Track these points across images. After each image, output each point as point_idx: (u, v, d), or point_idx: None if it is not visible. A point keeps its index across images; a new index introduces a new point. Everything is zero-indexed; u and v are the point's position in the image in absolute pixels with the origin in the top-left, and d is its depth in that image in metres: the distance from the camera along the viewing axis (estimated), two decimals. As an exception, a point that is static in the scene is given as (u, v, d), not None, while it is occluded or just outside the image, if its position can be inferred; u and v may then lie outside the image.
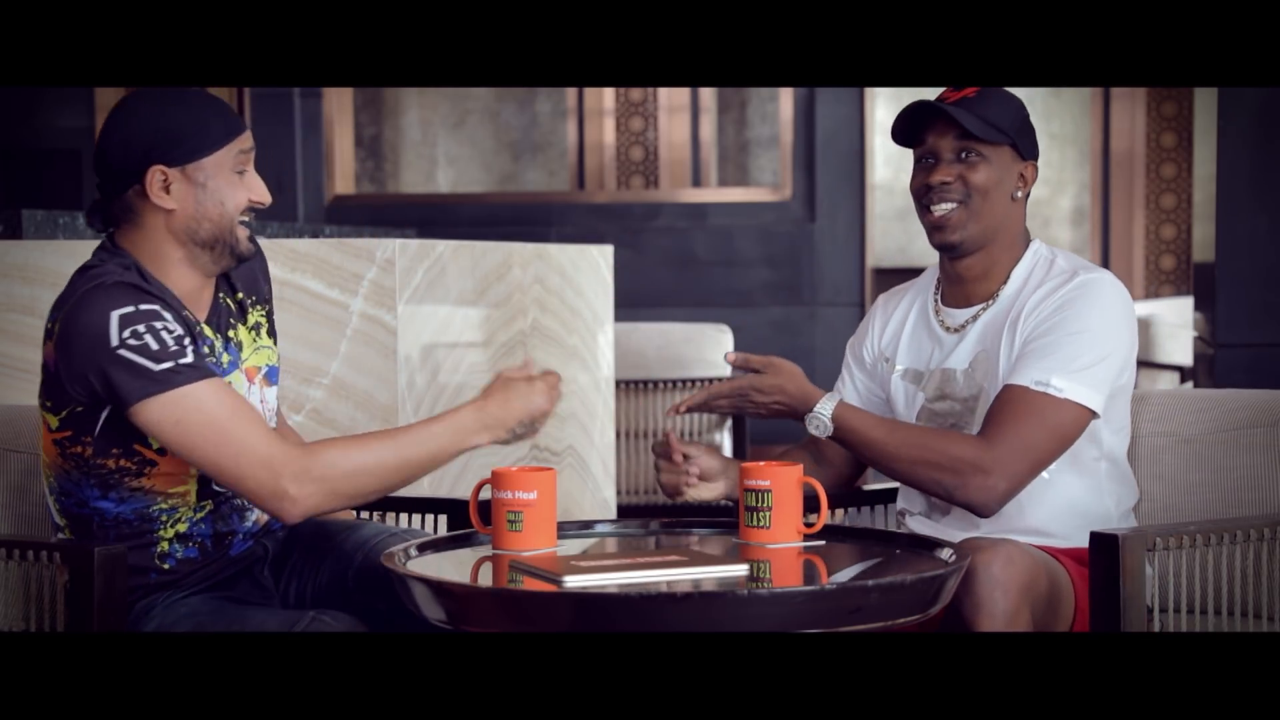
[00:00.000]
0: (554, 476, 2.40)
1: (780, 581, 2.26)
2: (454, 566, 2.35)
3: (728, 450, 5.65)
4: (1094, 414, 2.59)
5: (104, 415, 2.37)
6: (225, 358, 2.47)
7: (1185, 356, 7.18)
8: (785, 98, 8.03)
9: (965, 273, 2.73)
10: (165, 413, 2.30)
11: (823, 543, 2.44)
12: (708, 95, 8.39)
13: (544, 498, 2.37)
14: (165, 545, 2.45)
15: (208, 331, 2.46)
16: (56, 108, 8.65)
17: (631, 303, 6.46)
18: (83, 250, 3.39)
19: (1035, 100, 10.64)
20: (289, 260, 3.40)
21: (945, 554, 2.30)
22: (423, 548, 2.39)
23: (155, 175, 2.39)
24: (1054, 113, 10.64)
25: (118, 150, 2.42)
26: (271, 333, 2.62)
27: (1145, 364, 7.54)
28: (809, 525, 2.44)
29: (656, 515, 3.27)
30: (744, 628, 2.01)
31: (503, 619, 2.08)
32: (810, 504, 2.47)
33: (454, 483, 3.62)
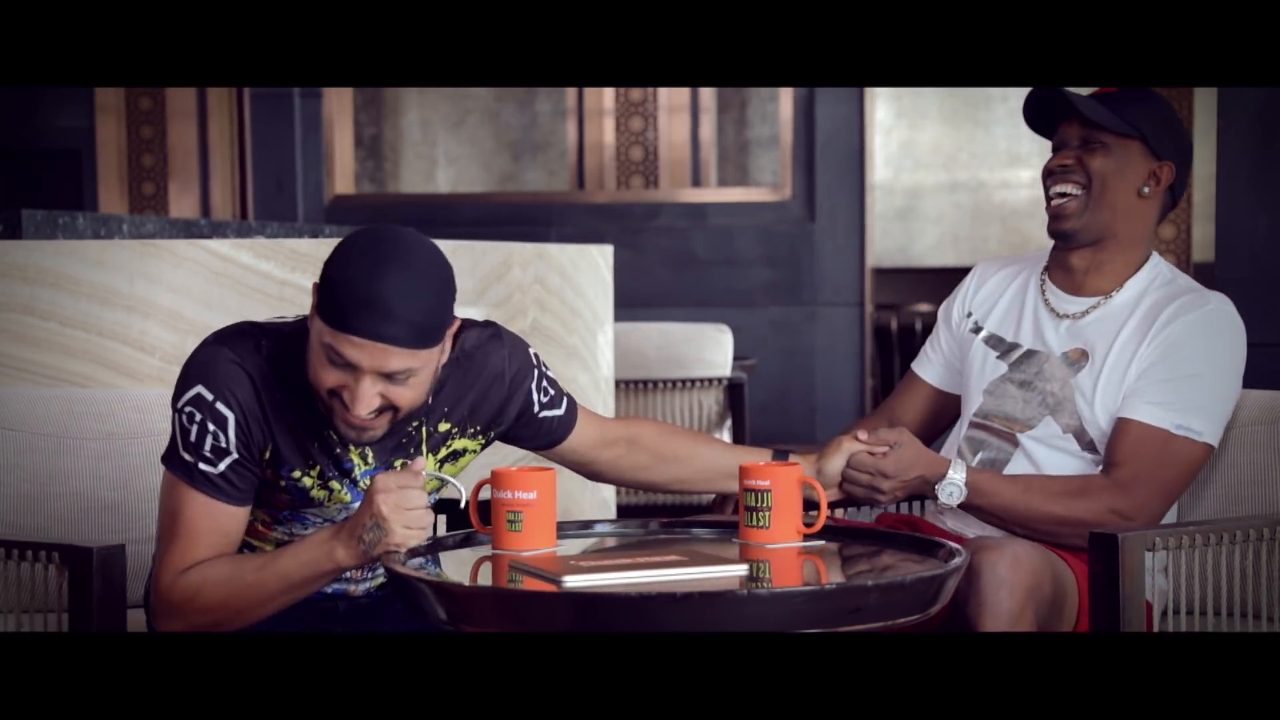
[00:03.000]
0: (554, 476, 2.39)
1: (780, 581, 2.26)
2: (454, 566, 2.35)
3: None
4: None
5: None
6: (365, 483, 2.36)
7: (1185, 356, 7.17)
8: (785, 98, 8.03)
9: (1077, 264, 2.73)
10: (162, 486, 2.33)
11: (822, 542, 2.44)
12: (707, 95, 8.38)
13: (543, 497, 2.37)
14: None
15: (355, 459, 2.35)
16: (56, 108, 8.64)
17: (631, 302, 6.46)
18: (82, 250, 3.40)
19: (1035, 100, 10.65)
20: (289, 260, 3.40)
21: (945, 553, 2.30)
22: (422, 548, 2.39)
23: (315, 289, 2.27)
24: (1054, 113, 10.63)
25: None
26: (481, 450, 2.48)
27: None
28: (808, 525, 2.44)
29: (656, 515, 3.26)
30: (743, 628, 2.01)
31: (502, 619, 2.08)
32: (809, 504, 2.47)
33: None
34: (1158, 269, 2.72)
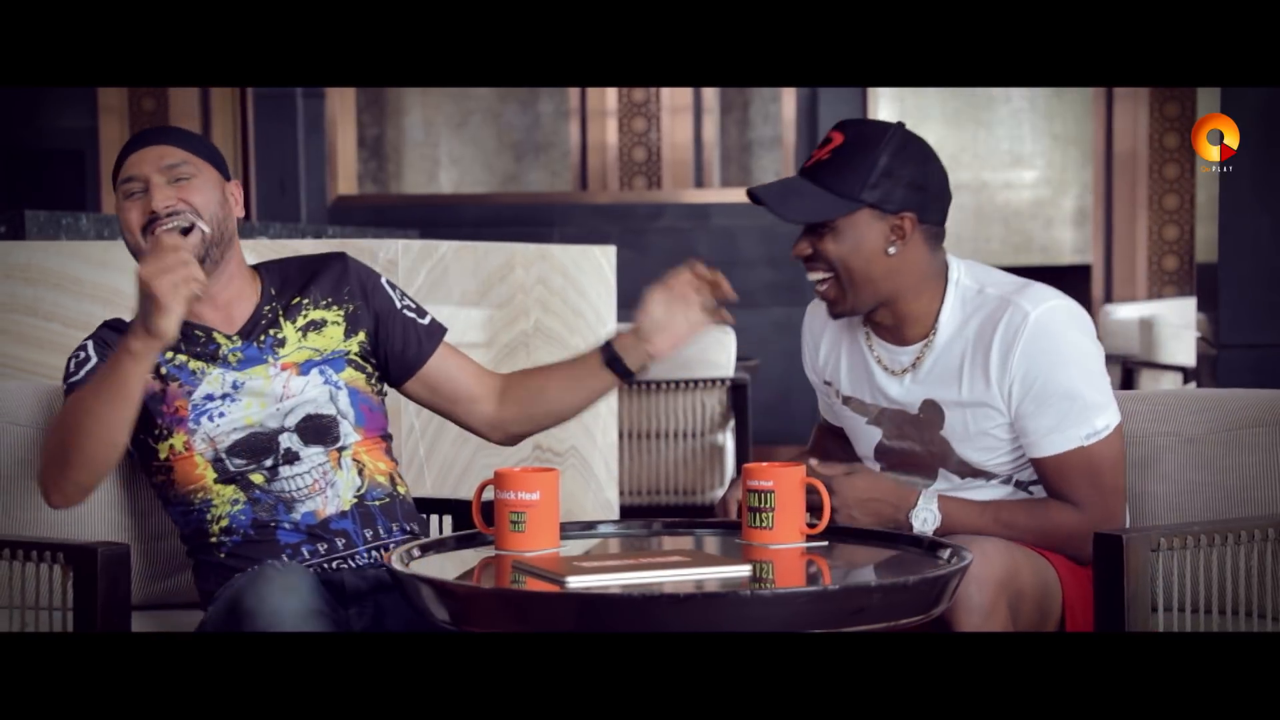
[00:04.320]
0: (557, 477, 2.39)
1: (783, 582, 2.26)
2: (457, 567, 2.35)
3: (730, 452, 5.65)
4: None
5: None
6: (234, 357, 2.61)
7: (1188, 358, 7.18)
8: (788, 98, 8.04)
9: (883, 320, 2.62)
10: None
11: (825, 543, 2.43)
12: (710, 95, 8.39)
13: (547, 498, 2.37)
14: (215, 539, 2.60)
15: (219, 339, 2.61)
16: (59, 108, 8.65)
17: (634, 303, 6.46)
18: (85, 251, 3.40)
19: (1038, 100, 10.65)
20: (292, 261, 3.39)
21: (947, 554, 2.30)
22: (426, 548, 2.39)
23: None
24: (1056, 113, 10.64)
25: None
26: (351, 333, 2.67)
27: (1148, 365, 7.54)
28: (812, 526, 2.44)
29: (659, 516, 3.27)
30: (747, 628, 2.01)
31: (505, 619, 2.08)
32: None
33: (457, 483, 3.63)
34: (959, 287, 2.59)
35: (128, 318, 3.32)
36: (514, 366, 3.91)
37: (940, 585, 2.14)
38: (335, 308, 2.67)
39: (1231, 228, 4.43)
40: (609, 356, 2.71)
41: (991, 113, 10.74)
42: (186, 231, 2.55)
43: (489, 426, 2.77)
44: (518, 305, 3.94)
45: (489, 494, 2.41)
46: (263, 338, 2.62)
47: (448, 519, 2.85)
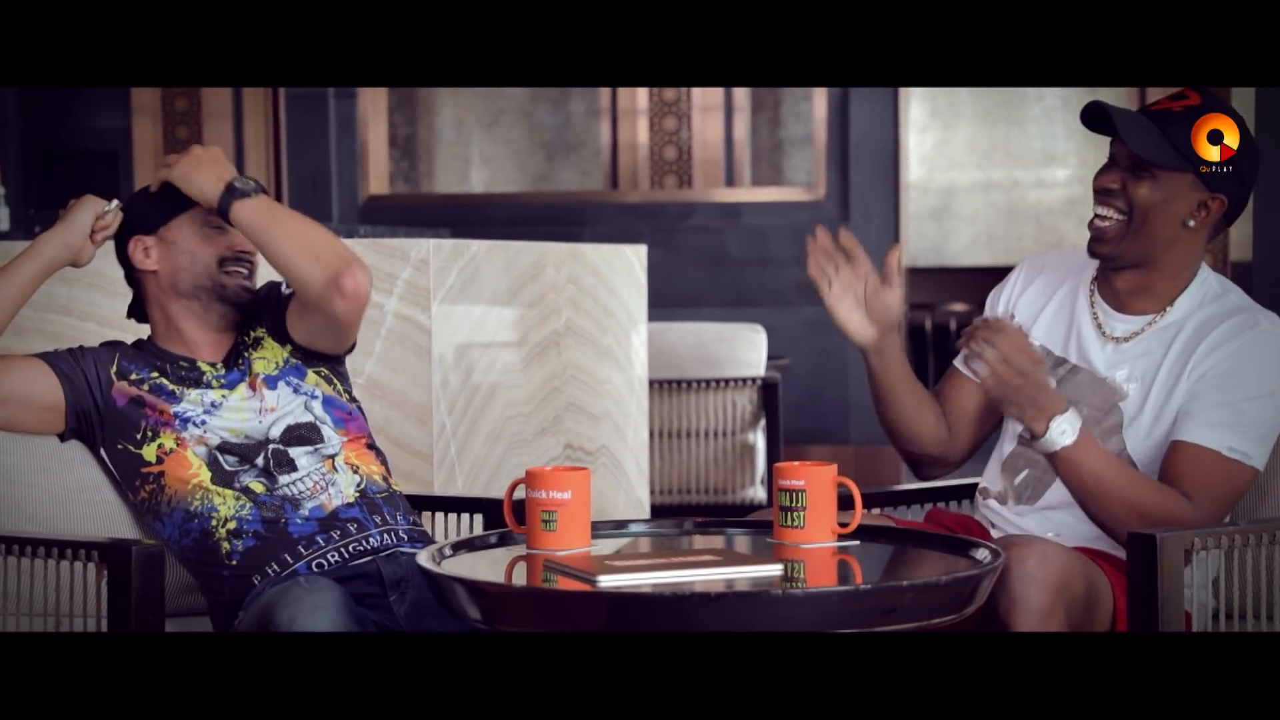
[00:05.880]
0: (588, 476, 2.39)
1: (815, 581, 2.25)
2: (488, 566, 2.35)
3: (760, 450, 5.65)
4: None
5: (105, 456, 2.74)
6: (217, 384, 2.73)
7: (1222, 356, 7.14)
8: (819, 97, 8.02)
9: (1121, 285, 2.63)
10: None
11: (857, 543, 2.43)
12: (741, 95, 8.38)
13: (578, 497, 2.37)
14: (226, 545, 2.63)
15: (204, 366, 2.74)
16: (93, 109, 8.69)
17: (665, 302, 6.46)
18: (119, 250, 3.39)
19: (1071, 98, 10.62)
20: (324, 260, 3.40)
21: (980, 554, 2.30)
22: (457, 547, 2.40)
23: (136, 246, 2.74)
24: (1089, 111, 10.61)
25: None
26: (279, 342, 2.78)
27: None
28: (844, 525, 2.43)
29: (690, 515, 3.27)
30: (778, 628, 2.01)
31: (537, 618, 2.08)
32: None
33: (489, 482, 3.63)
34: (1206, 284, 2.63)
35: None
36: (545, 366, 3.91)
37: (973, 584, 2.13)
38: (259, 328, 2.79)
39: (1266, 226, 4.40)
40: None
41: (1024, 111, 10.71)
42: (248, 275, 2.76)
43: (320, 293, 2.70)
44: (549, 304, 3.94)
45: (520, 493, 2.42)
46: (240, 361, 2.75)
47: (479, 518, 2.86)
